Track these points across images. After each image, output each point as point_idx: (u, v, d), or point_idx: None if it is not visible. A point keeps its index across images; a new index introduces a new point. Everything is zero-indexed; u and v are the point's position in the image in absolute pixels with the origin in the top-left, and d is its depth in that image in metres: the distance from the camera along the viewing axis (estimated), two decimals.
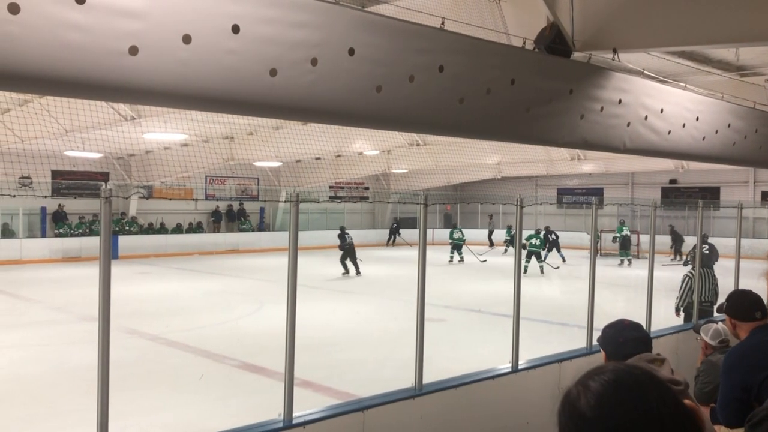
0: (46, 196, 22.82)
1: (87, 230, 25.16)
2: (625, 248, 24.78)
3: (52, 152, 20.02)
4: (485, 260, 23.96)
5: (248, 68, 3.86)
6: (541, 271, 21.14)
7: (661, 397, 1.05)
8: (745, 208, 9.56)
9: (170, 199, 27.34)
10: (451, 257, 24.37)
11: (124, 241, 24.97)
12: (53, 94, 3.97)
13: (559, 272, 21.81)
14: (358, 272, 20.14)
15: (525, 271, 21.03)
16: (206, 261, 24.46)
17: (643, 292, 7.63)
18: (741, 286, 6.76)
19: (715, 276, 9.28)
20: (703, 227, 9.00)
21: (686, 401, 1.10)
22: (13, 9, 3.05)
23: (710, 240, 18.00)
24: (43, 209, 25.06)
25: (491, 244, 30.55)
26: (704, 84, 11.23)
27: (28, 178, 22.00)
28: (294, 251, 4.36)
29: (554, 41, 6.36)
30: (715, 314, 6.54)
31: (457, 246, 24.29)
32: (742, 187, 28.79)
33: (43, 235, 25.11)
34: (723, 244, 21.54)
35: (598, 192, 32.03)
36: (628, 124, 6.79)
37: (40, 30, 3.13)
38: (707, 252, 16.46)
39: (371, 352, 10.16)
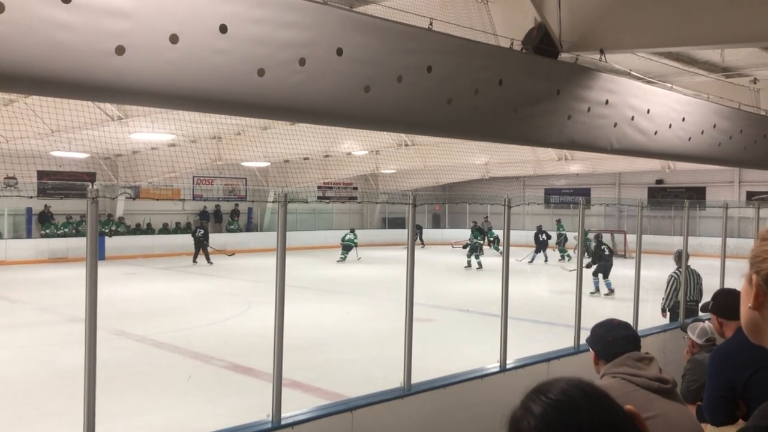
0: (31, 197, 22.63)
1: (74, 230, 25.00)
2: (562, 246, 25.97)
3: (38, 152, 19.87)
4: (360, 258, 25.09)
5: (236, 68, 3.85)
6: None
7: (592, 415, 1.15)
8: (730, 207, 9.65)
9: (157, 200, 27.20)
10: (343, 257, 24.94)
11: (110, 241, 24.79)
12: (39, 93, 3.95)
13: (548, 272, 21.95)
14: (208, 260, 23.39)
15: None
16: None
17: (630, 292, 7.68)
18: (726, 285, 6.82)
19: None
20: (690, 227, 9.07)
21: (627, 407, 1.19)
22: None
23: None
24: (29, 210, 24.86)
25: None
26: (690, 85, 11.32)
27: (14, 178, 21.82)
28: (282, 252, 4.35)
29: (542, 42, 6.39)
30: (700, 313, 6.59)
31: (347, 246, 25.08)
32: (728, 187, 29.04)
33: (29, 235, 24.92)
34: (709, 243, 21.77)
35: (586, 192, 32.19)
36: (615, 125, 6.82)
37: (25, 29, 3.11)
38: (608, 253, 16.56)
39: (360, 352, 10.16)
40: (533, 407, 1.17)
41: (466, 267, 22.36)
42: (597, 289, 16.20)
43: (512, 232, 6.25)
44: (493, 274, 17.00)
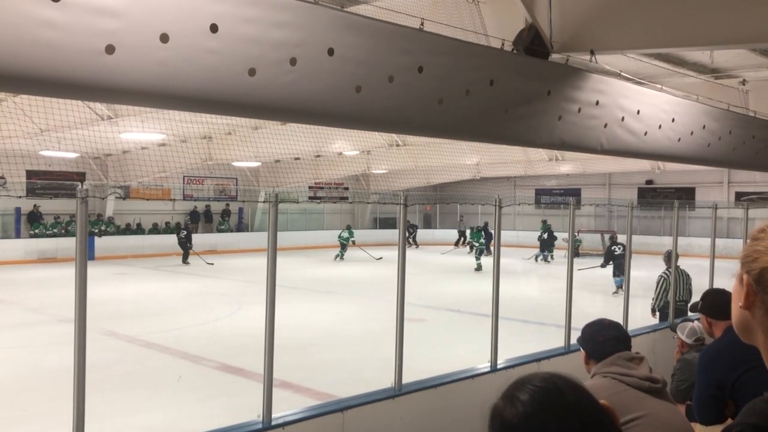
0: (20, 197, 22.47)
1: (63, 230, 24.85)
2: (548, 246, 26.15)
3: (27, 152, 19.74)
4: (380, 257, 24.67)
5: (227, 68, 3.84)
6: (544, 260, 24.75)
7: (578, 399, 1.19)
8: (719, 208, 9.71)
9: (147, 200, 27.08)
10: (338, 255, 25.56)
11: (100, 241, 24.66)
12: (28, 92, 3.92)
13: (538, 272, 22.02)
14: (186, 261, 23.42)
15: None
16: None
17: (620, 292, 7.71)
18: (716, 285, 6.86)
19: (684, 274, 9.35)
20: (679, 227, 9.12)
21: (602, 402, 1.23)
22: None
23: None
24: (18, 209, 24.69)
25: (457, 244, 31.60)
26: (680, 86, 11.38)
27: (2, 178, 21.63)
28: (273, 252, 4.34)
29: (532, 43, 6.40)
30: (689, 313, 6.63)
31: (341, 244, 25.72)
32: (717, 188, 29.20)
33: (18, 235, 24.75)
34: (698, 243, 21.89)
35: (576, 192, 32.28)
36: (605, 125, 6.85)
37: (14, 27, 3.08)
38: (621, 252, 16.49)
39: (351, 352, 10.15)
40: (519, 395, 1.20)
41: (476, 270, 21.70)
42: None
43: (502, 233, 6.26)
44: (484, 275, 17.03)
